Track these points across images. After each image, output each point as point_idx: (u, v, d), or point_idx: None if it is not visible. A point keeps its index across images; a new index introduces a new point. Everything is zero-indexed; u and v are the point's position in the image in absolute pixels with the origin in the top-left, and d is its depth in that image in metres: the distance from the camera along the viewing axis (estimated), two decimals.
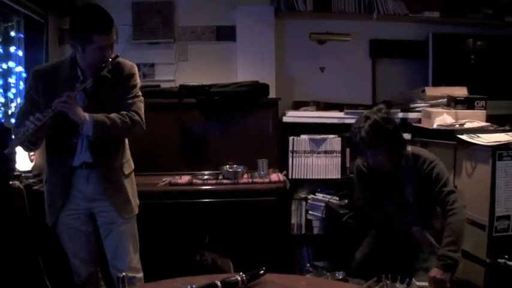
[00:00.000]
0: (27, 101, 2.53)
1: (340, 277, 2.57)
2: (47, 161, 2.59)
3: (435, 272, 2.39)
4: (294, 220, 4.08)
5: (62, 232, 2.56)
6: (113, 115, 2.44)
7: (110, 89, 2.51)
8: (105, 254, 2.63)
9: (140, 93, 2.64)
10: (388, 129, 2.62)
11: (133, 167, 2.72)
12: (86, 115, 2.35)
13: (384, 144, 2.61)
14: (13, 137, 2.47)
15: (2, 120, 3.49)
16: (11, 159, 3.06)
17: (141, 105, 2.61)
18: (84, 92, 2.45)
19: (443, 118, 3.53)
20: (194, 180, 3.55)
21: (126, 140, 2.70)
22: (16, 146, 2.39)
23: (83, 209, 2.54)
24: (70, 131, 2.43)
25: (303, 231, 4.09)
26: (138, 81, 2.64)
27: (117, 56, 2.48)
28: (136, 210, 2.67)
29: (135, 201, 2.67)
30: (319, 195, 4.01)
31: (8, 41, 3.71)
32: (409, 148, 2.77)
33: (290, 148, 3.98)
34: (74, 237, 2.56)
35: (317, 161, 3.97)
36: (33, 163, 3.56)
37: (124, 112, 2.49)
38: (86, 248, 2.59)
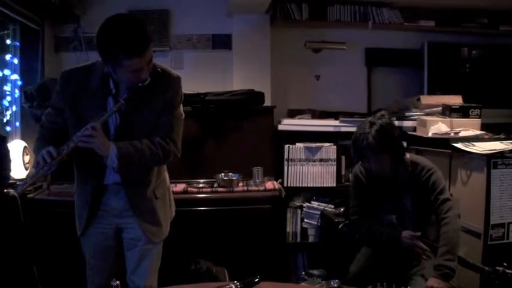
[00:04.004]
0: (51, 107, 2.27)
1: (336, 285, 2.56)
2: (76, 175, 2.34)
3: (433, 282, 2.39)
4: (289, 228, 4.07)
5: (85, 245, 2.38)
6: (144, 144, 2.16)
7: (147, 103, 2.18)
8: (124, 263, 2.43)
9: (181, 110, 2.34)
10: (394, 134, 2.63)
11: (168, 184, 2.49)
12: (111, 146, 2.08)
13: (390, 149, 2.61)
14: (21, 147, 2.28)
15: None
16: (5, 167, 3.06)
17: (180, 129, 2.33)
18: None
19: (438, 126, 3.54)
20: (189, 189, 3.54)
21: None
22: (28, 186, 2.15)
23: (111, 224, 2.32)
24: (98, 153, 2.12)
25: (298, 240, 4.08)
26: (181, 97, 2.31)
27: (157, 71, 2.18)
28: (165, 234, 2.40)
29: (166, 223, 2.41)
30: (315, 204, 4.01)
31: (3, 49, 3.72)
32: (408, 156, 2.77)
33: (285, 156, 3.98)
34: (96, 252, 2.37)
35: (312, 169, 3.98)
36: (28, 171, 3.55)
37: (157, 140, 2.19)
38: (104, 263, 2.39)
